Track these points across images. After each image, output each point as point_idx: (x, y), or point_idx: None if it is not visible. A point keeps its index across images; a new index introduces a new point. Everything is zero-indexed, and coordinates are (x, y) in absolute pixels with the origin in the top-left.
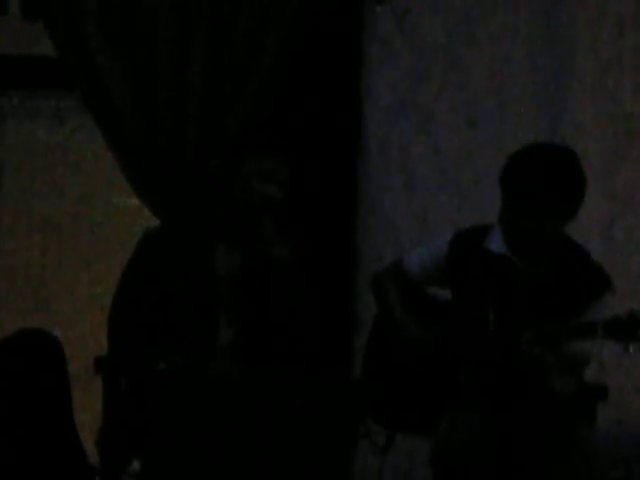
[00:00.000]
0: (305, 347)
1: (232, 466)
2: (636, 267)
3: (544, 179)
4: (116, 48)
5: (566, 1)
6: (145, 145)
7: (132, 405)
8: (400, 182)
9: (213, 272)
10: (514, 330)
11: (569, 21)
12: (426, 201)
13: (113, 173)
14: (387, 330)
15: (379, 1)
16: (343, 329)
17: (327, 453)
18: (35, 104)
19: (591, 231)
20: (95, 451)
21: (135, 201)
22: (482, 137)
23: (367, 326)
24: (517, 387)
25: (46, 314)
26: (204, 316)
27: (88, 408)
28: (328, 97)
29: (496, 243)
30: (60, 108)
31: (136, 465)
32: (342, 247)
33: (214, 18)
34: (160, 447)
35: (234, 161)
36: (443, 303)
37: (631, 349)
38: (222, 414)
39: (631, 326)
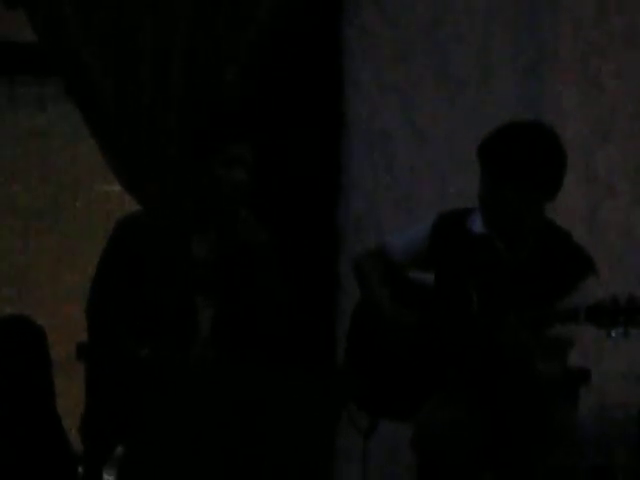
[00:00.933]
0: (287, 333)
1: (214, 453)
2: (618, 251)
3: (525, 155)
4: (97, 33)
5: None
6: (128, 132)
7: (115, 392)
8: (383, 167)
9: (191, 258)
10: (498, 312)
11: (551, 5)
12: (409, 186)
13: (95, 160)
14: (369, 315)
15: None
16: (326, 315)
17: (311, 438)
18: (17, 91)
19: (573, 216)
20: (78, 438)
21: (117, 188)
22: (464, 122)
23: (350, 312)
24: (501, 371)
25: (28, 301)
26: (183, 302)
27: (70, 395)
28: (310, 83)
29: (477, 225)
30: (42, 95)
31: (120, 452)
32: (325, 232)
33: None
34: (143, 433)
35: (205, 149)
36: (426, 287)
37: (613, 334)
38: (204, 401)
39: (613, 312)
